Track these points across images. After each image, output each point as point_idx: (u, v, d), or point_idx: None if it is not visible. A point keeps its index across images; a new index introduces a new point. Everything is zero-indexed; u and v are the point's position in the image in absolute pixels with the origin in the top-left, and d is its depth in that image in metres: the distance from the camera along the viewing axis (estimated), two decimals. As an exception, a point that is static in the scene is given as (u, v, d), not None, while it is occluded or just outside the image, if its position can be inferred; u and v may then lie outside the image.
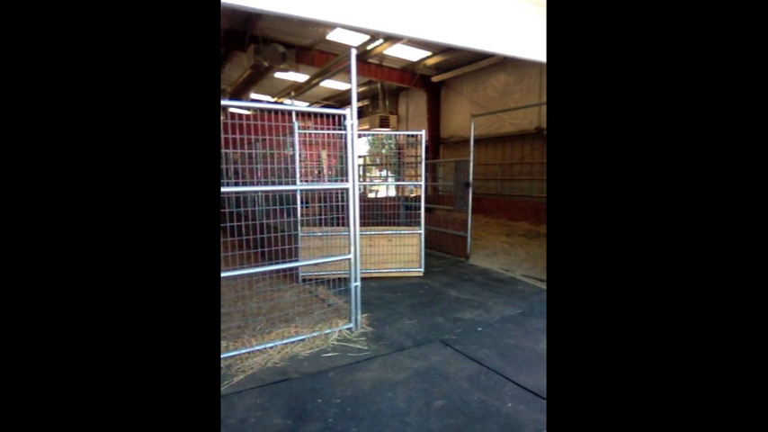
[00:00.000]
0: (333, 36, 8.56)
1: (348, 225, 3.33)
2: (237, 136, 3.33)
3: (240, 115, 4.39)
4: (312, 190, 4.83)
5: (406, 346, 3.12)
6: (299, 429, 2.09)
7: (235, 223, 3.46)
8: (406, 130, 10.83)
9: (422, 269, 5.08)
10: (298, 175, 4.27)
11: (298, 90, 12.14)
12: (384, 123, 12.24)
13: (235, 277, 3.48)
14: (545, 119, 8.92)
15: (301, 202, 4.56)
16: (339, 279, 3.91)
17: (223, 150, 3.86)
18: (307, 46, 9.30)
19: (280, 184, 4.45)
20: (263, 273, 3.93)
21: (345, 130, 3.27)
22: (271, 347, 2.99)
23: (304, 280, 4.58)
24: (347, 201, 3.31)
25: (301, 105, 13.14)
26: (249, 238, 3.48)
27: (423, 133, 5.28)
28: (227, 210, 3.45)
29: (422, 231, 5.09)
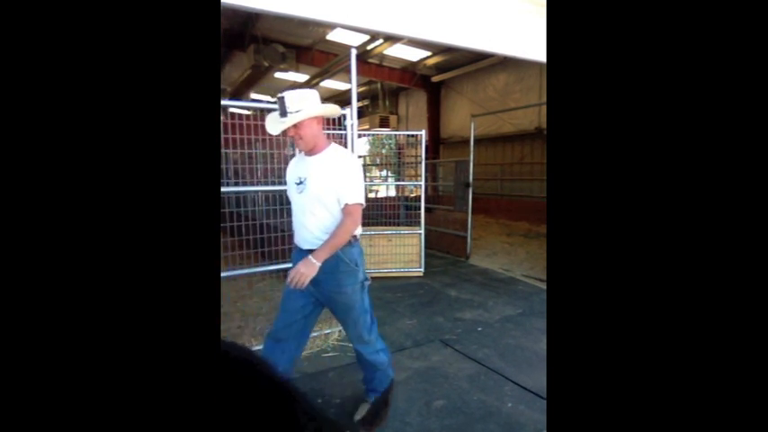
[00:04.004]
0: (333, 36, 8.55)
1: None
2: (237, 136, 3.33)
3: (240, 115, 4.39)
4: (312, 190, 4.81)
5: (405, 345, 3.12)
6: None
7: (235, 223, 3.45)
8: (406, 130, 10.82)
9: (422, 269, 5.08)
10: (298, 175, 4.26)
11: (298, 90, 12.14)
12: (384, 123, 12.24)
13: (235, 277, 3.48)
14: (545, 119, 8.93)
15: (301, 202, 4.55)
16: (339, 279, 3.90)
17: (223, 150, 3.86)
18: (307, 46, 9.30)
19: (280, 184, 4.44)
20: (263, 273, 3.92)
21: (345, 130, 3.27)
22: (271, 347, 2.99)
23: (304, 280, 4.58)
24: (347, 201, 3.30)
25: (301, 105, 13.13)
26: (249, 238, 3.48)
27: (423, 133, 5.28)
28: (227, 210, 3.45)
29: (422, 231, 5.08)
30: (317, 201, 1.88)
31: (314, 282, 1.88)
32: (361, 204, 1.92)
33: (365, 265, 2.04)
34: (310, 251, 1.87)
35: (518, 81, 9.96)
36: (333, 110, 1.99)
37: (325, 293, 1.96)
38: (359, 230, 1.99)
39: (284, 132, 1.88)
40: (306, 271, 1.80)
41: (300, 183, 1.94)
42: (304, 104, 1.81)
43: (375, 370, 2.16)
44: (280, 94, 1.82)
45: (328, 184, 1.86)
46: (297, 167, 2.02)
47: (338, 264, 1.89)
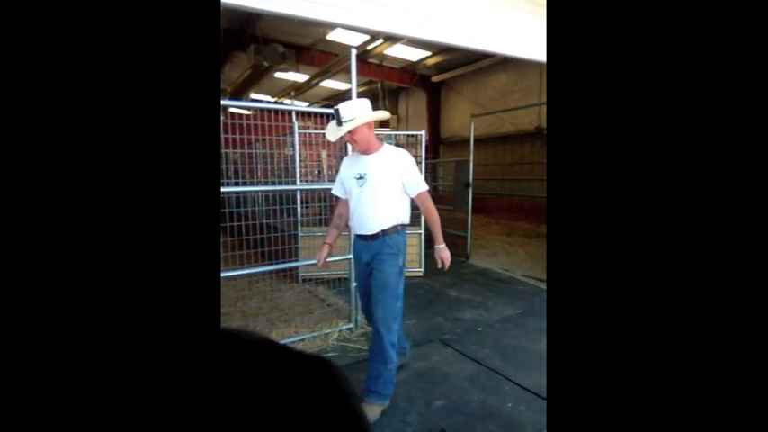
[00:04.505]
0: (333, 36, 8.55)
1: (348, 225, 3.33)
2: (237, 136, 3.33)
3: (240, 115, 4.39)
4: (312, 190, 4.83)
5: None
6: (299, 429, 2.08)
7: (235, 223, 3.46)
8: (406, 130, 10.81)
9: (422, 269, 5.07)
10: (298, 175, 4.27)
11: (298, 90, 12.14)
12: (384, 123, 12.24)
13: (235, 277, 3.48)
14: (545, 119, 8.92)
15: (301, 202, 4.56)
16: (339, 279, 3.91)
17: (223, 150, 3.86)
18: (307, 46, 9.30)
19: (280, 184, 4.45)
20: (263, 273, 3.93)
21: (345, 130, 3.27)
22: (271, 347, 2.99)
23: (304, 280, 4.58)
24: (347, 201, 3.31)
25: (301, 105, 13.15)
26: (249, 238, 3.48)
27: (423, 133, 5.28)
28: (227, 210, 3.45)
29: (422, 231, 5.08)
30: (378, 192, 2.19)
31: (366, 263, 2.29)
32: (428, 189, 2.32)
33: (406, 255, 2.34)
34: (367, 236, 2.24)
35: (518, 81, 9.96)
36: (382, 115, 2.39)
37: (371, 270, 2.28)
38: (407, 220, 2.32)
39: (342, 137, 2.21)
40: (446, 254, 2.32)
41: (361, 178, 2.24)
42: (356, 113, 2.14)
43: (384, 367, 2.24)
44: (336, 107, 2.15)
45: (390, 177, 2.20)
46: (354, 165, 2.31)
47: (384, 246, 2.22)
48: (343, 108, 2.13)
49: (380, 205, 2.20)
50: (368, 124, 2.18)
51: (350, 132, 2.13)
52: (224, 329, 0.54)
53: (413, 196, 2.27)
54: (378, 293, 2.24)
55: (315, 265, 2.33)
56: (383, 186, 2.19)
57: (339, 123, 2.13)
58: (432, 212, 2.32)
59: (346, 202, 2.38)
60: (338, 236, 2.48)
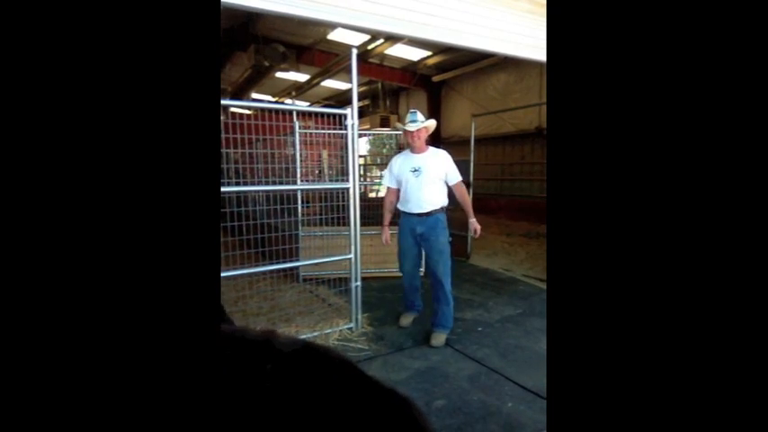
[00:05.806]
0: (333, 36, 8.54)
1: (349, 225, 3.33)
2: (238, 136, 3.33)
3: (241, 115, 4.39)
4: (313, 190, 4.83)
5: (406, 345, 3.12)
6: (300, 429, 2.08)
7: (235, 223, 3.45)
8: (407, 130, 10.76)
9: (422, 269, 5.07)
10: (298, 175, 4.27)
11: (298, 90, 12.13)
12: (384, 123, 12.20)
13: (235, 277, 3.48)
14: (545, 119, 8.91)
15: (302, 202, 4.56)
16: (340, 279, 3.91)
17: (223, 150, 3.86)
18: (307, 46, 9.29)
19: (280, 183, 4.45)
20: (264, 272, 3.93)
21: (346, 129, 3.28)
22: (271, 347, 2.98)
23: (304, 280, 4.58)
24: (348, 200, 3.31)
25: (302, 105, 13.13)
26: (250, 238, 3.48)
27: (423, 133, 5.26)
28: (227, 210, 3.45)
29: (422, 231, 5.07)
30: (429, 181, 3.09)
31: (420, 234, 3.13)
32: (463, 180, 3.23)
33: (450, 228, 3.21)
34: (422, 214, 3.11)
35: (518, 81, 9.94)
36: (434, 125, 3.22)
37: (427, 242, 3.13)
38: (446, 202, 3.20)
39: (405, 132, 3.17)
40: (478, 225, 3.26)
41: (416, 170, 3.11)
42: (424, 118, 3.12)
43: (447, 308, 3.15)
44: (413, 111, 3.15)
45: (438, 170, 3.12)
46: (408, 162, 3.17)
47: (437, 222, 3.12)
48: (416, 113, 3.10)
49: (431, 191, 3.08)
50: (426, 128, 3.11)
51: (418, 131, 3.05)
52: (313, 346, 0.55)
53: (451, 185, 3.17)
54: (436, 257, 3.10)
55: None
56: (433, 177, 3.07)
57: (413, 122, 3.05)
58: (465, 196, 3.25)
59: (395, 191, 3.24)
60: (391, 218, 3.34)
